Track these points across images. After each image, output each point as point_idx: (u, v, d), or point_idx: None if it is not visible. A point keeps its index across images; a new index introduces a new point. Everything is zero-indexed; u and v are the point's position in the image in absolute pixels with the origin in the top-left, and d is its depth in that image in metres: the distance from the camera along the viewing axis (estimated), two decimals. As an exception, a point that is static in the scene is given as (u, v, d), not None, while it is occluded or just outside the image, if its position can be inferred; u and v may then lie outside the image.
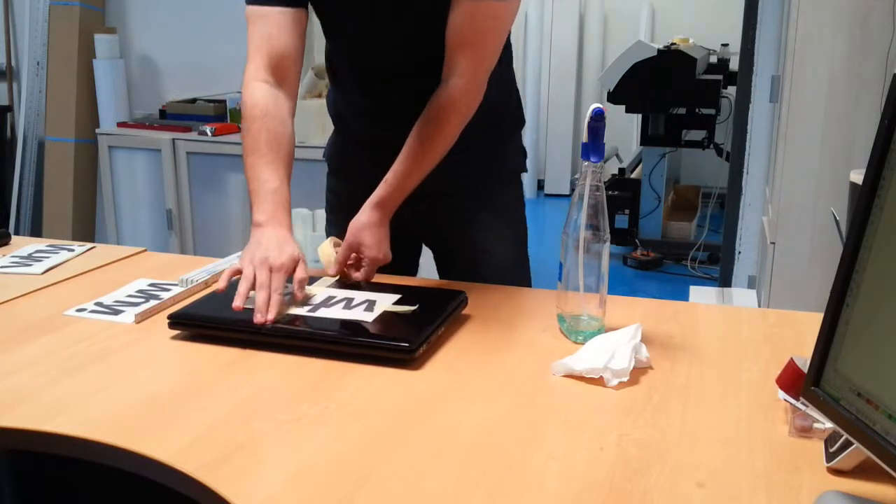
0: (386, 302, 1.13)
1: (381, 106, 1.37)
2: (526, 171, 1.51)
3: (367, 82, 1.36)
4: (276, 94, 1.26)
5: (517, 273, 1.45)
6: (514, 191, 1.48)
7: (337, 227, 1.50)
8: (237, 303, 1.08)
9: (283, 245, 1.16)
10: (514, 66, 1.45)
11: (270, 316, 1.07)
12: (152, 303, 1.19)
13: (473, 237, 1.43)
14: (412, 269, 1.54)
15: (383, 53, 1.30)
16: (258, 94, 1.25)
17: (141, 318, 1.15)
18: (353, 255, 1.27)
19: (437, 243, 1.49)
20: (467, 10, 1.18)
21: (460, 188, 1.39)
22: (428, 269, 1.56)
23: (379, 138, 1.38)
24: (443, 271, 1.50)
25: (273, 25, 1.25)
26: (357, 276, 1.25)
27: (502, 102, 1.39)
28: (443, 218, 1.42)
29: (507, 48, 1.34)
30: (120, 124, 3.60)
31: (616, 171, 4.56)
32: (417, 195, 1.29)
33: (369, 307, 1.11)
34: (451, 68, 1.23)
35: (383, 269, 1.30)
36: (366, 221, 1.25)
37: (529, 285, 1.46)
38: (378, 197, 1.26)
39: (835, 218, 2.15)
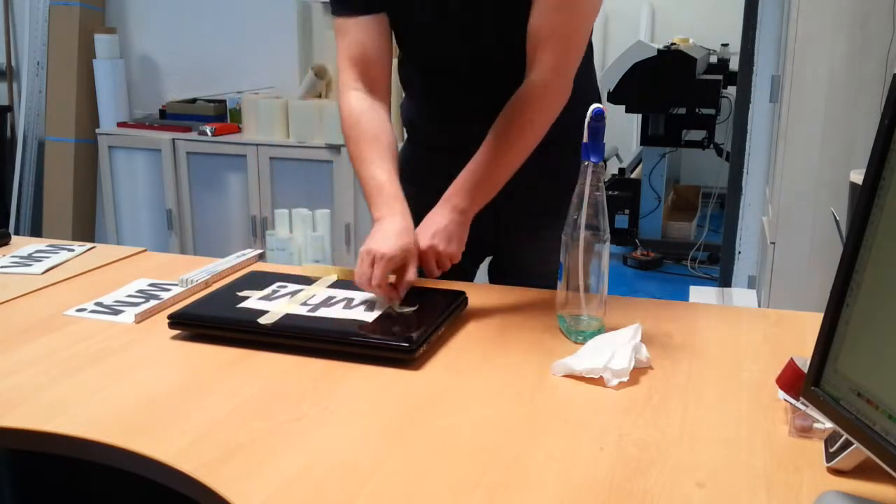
0: (386, 302, 1.13)
1: (449, 108, 1.34)
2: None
3: (435, 82, 1.33)
4: (370, 100, 1.28)
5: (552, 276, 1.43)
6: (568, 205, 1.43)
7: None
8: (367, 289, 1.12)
9: (393, 236, 1.14)
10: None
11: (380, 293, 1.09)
12: (152, 303, 1.19)
13: (535, 245, 1.36)
14: (472, 276, 1.48)
15: (451, 48, 1.27)
16: (353, 103, 1.28)
17: (141, 318, 1.15)
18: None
19: (495, 248, 1.43)
20: (551, 2, 1.16)
21: (533, 192, 1.32)
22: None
23: (449, 144, 1.35)
24: (494, 275, 1.46)
25: (358, 33, 1.27)
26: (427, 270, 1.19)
27: (587, 106, 1.35)
28: (507, 222, 1.36)
29: (590, 47, 1.30)
30: (120, 124, 3.60)
31: (616, 171, 4.56)
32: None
33: (369, 307, 1.11)
34: (534, 64, 1.19)
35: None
36: (437, 215, 1.20)
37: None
38: (457, 187, 1.20)
39: (835, 218, 2.15)
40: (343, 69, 1.30)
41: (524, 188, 1.26)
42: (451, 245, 1.20)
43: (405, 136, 1.49)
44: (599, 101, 1.34)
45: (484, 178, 1.21)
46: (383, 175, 1.22)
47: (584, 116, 1.04)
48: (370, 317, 1.08)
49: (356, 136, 1.26)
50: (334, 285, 1.22)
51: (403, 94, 1.45)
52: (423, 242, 1.19)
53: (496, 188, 1.22)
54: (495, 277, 1.47)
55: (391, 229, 1.15)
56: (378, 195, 1.21)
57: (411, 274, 1.14)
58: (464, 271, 1.39)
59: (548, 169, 1.28)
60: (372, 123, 1.26)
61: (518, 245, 1.41)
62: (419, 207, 1.30)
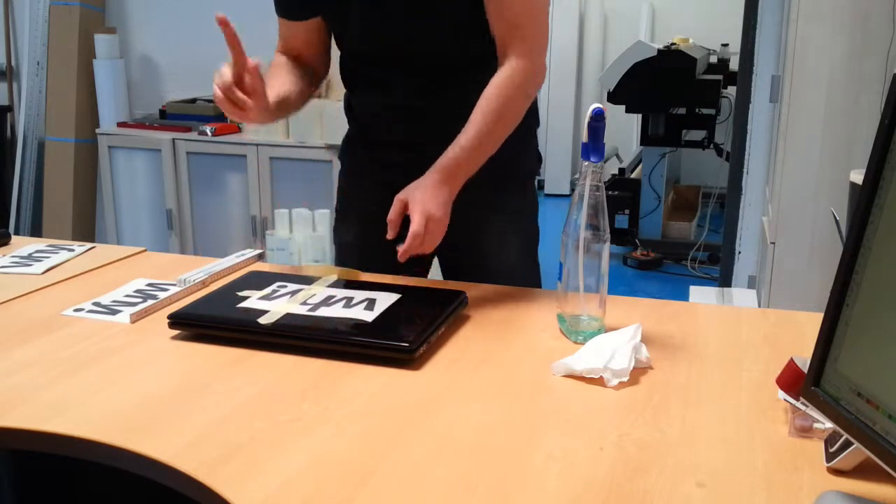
0: (386, 302, 1.13)
1: (390, 102, 1.36)
2: (539, 174, 1.49)
3: (374, 75, 1.35)
4: (292, 61, 1.37)
5: (525, 278, 1.43)
6: (527, 195, 1.46)
7: (345, 225, 1.49)
8: None
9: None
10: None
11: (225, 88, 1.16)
12: (149, 302, 1.19)
13: (482, 240, 1.40)
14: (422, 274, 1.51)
15: (389, 39, 1.30)
16: (278, 59, 1.39)
17: (136, 317, 1.15)
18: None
19: (443, 246, 1.47)
20: None
21: (472, 189, 1.33)
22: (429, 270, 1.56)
23: (391, 139, 1.38)
24: (448, 273, 1.48)
25: (292, 33, 1.39)
26: (406, 243, 1.16)
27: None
28: (452, 219, 1.40)
29: None
30: (120, 124, 3.60)
31: (616, 171, 4.56)
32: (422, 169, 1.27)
33: (369, 306, 1.11)
34: (506, 52, 1.22)
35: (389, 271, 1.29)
36: (423, 180, 1.19)
37: (539, 283, 1.46)
38: (441, 161, 1.21)
39: (835, 218, 2.15)
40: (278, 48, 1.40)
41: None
42: (446, 218, 1.19)
43: (348, 129, 1.52)
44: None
45: (470, 158, 1.22)
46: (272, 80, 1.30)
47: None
48: (370, 317, 1.08)
49: (269, 73, 1.33)
50: (334, 285, 1.22)
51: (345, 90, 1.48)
52: (437, 211, 1.16)
53: (477, 168, 1.23)
54: (449, 276, 1.49)
55: None
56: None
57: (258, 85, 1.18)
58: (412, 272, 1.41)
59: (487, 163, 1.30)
60: (281, 65, 1.36)
61: (462, 240, 1.40)
62: (357, 201, 1.39)
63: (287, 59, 1.38)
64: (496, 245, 1.41)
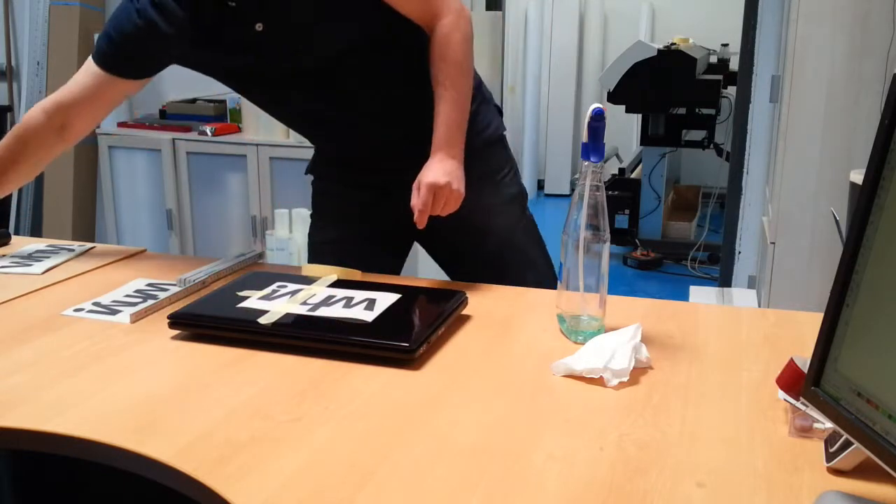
0: (386, 302, 1.13)
1: (343, 149, 1.43)
2: (505, 129, 1.51)
3: (319, 132, 1.44)
4: (40, 120, 1.32)
5: (525, 233, 1.46)
6: (490, 159, 1.47)
7: (322, 231, 1.52)
8: None
9: None
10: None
11: None
12: (149, 302, 1.19)
13: (472, 208, 1.36)
14: (398, 269, 1.54)
15: (321, 104, 1.35)
16: (27, 116, 1.34)
17: (136, 317, 1.15)
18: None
19: (431, 236, 1.46)
20: None
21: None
22: (428, 270, 1.56)
23: (361, 180, 1.46)
24: (448, 262, 1.50)
25: (94, 83, 1.31)
26: (417, 210, 1.23)
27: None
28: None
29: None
30: (120, 124, 3.60)
31: (616, 171, 4.56)
32: (399, 184, 1.31)
33: (369, 306, 1.11)
34: (429, 22, 1.29)
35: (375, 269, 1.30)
36: (428, 162, 1.26)
37: (543, 245, 1.47)
38: (434, 142, 1.27)
39: (835, 218, 2.15)
40: (56, 93, 1.34)
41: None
42: (462, 185, 1.26)
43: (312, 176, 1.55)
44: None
45: (457, 122, 1.28)
46: None
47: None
48: (370, 316, 1.08)
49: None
50: (334, 285, 1.22)
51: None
52: (441, 179, 1.23)
53: (465, 126, 1.30)
54: (451, 262, 1.52)
55: None
56: None
57: None
58: (389, 266, 1.45)
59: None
60: (29, 119, 1.33)
61: (441, 227, 1.40)
62: (334, 203, 1.43)
63: (36, 116, 1.33)
64: (488, 209, 1.42)
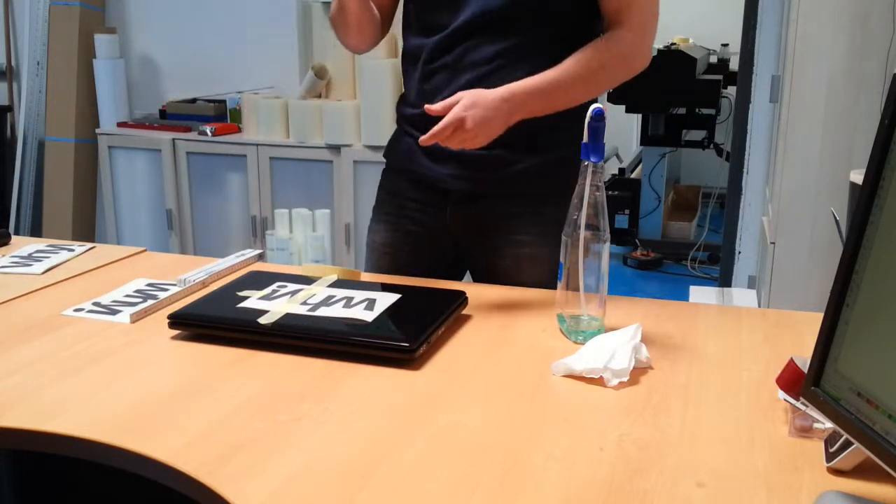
0: (386, 302, 1.13)
1: (442, 72, 1.29)
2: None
3: (433, 45, 1.30)
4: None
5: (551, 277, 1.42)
6: (563, 211, 1.42)
7: (378, 223, 1.44)
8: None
9: None
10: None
11: None
12: (149, 302, 1.19)
13: (518, 252, 1.35)
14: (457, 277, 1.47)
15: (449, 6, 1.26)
16: None
17: (136, 317, 1.15)
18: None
19: (476, 250, 1.40)
20: None
21: (514, 200, 1.31)
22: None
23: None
24: (481, 279, 1.44)
25: None
26: (432, 133, 1.12)
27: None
28: (488, 224, 1.35)
29: None
30: (120, 124, 3.60)
31: (616, 171, 4.56)
32: (478, 194, 1.28)
33: (369, 306, 1.11)
34: (617, 19, 1.20)
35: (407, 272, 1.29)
36: (486, 98, 1.13)
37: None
38: (514, 87, 1.16)
39: (835, 218, 2.15)
40: None
41: (507, 182, 1.27)
42: (480, 129, 1.13)
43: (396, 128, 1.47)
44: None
45: (549, 92, 1.18)
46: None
47: (581, 120, 1.04)
48: (370, 316, 1.08)
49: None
50: (334, 285, 1.22)
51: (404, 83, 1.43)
52: (459, 110, 1.12)
53: (551, 109, 1.19)
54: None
55: None
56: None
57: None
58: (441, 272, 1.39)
59: (536, 178, 1.29)
60: None
61: (494, 256, 1.37)
62: (395, 194, 1.36)
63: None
64: (526, 259, 1.35)
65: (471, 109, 1.12)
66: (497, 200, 1.33)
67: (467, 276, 1.48)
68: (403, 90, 1.40)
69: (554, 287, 1.39)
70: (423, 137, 1.13)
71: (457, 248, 1.40)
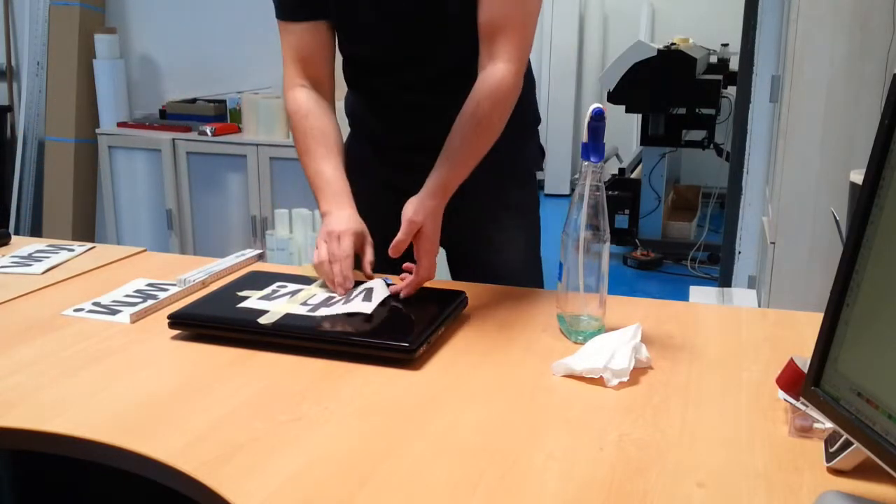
0: (386, 302, 1.13)
1: (394, 107, 1.36)
2: (542, 169, 1.50)
3: (379, 81, 1.36)
4: (316, 96, 1.33)
5: (529, 275, 1.45)
6: (531, 191, 1.47)
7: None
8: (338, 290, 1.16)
9: (347, 220, 1.21)
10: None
11: (348, 285, 1.15)
12: (149, 302, 1.19)
13: (489, 237, 1.41)
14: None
15: (393, 48, 1.30)
16: (299, 98, 1.32)
17: (136, 317, 1.15)
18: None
19: (451, 242, 1.44)
20: None
21: (479, 186, 1.32)
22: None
23: (395, 142, 1.39)
24: (455, 271, 1.49)
25: (302, 37, 1.32)
26: (401, 286, 1.17)
27: (525, 94, 1.31)
28: (459, 217, 1.35)
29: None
30: (120, 124, 3.60)
31: (616, 171, 4.56)
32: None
33: (367, 296, 1.12)
34: (493, 54, 1.21)
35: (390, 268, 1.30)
36: (431, 208, 1.18)
37: (541, 286, 1.46)
38: (438, 182, 1.20)
39: (835, 218, 2.15)
40: (287, 66, 1.34)
41: (469, 179, 1.27)
42: (434, 244, 1.19)
43: (349, 128, 1.50)
44: (533, 85, 1.41)
45: (454, 175, 1.21)
46: (330, 170, 1.27)
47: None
48: (369, 307, 1.08)
49: (304, 130, 1.30)
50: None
51: (347, 88, 1.46)
52: (418, 217, 1.16)
53: (464, 178, 1.23)
54: (456, 274, 1.49)
55: (345, 216, 1.22)
56: (326, 189, 1.26)
57: (370, 254, 1.21)
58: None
59: (491, 161, 1.30)
60: (319, 120, 1.30)
61: (469, 236, 1.42)
62: (359, 200, 1.33)
63: (316, 105, 1.33)
64: (502, 241, 1.42)
65: (413, 215, 1.16)
66: (466, 195, 1.32)
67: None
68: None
69: (529, 273, 1.46)
70: (391, 251, 1.16)
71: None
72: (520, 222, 1.45)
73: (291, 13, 1.31)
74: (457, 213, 1.37)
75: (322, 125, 1.30)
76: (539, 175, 1.54)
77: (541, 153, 1.49)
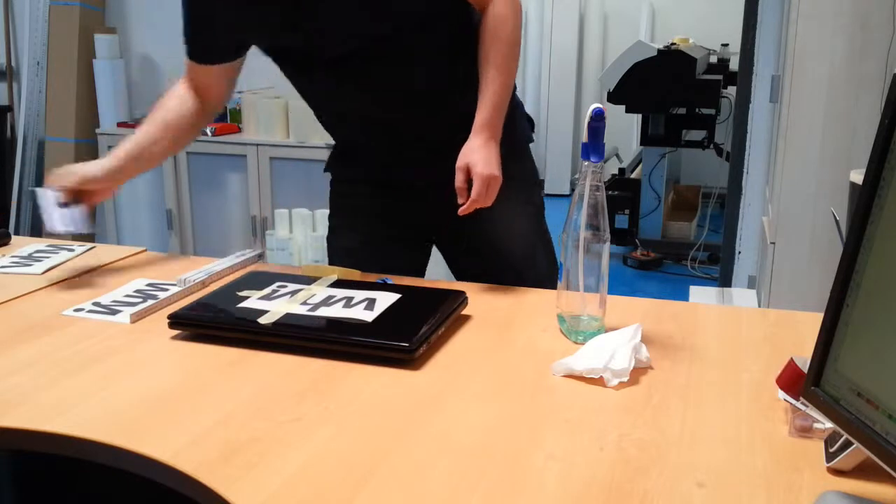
0: (386, 302, 1.13)
1: (371, 149, 1.41)
2: (533, 140, 1.52)
3: (350, 133, 1.42)
4: (187, 95, 1.40)
5: (540, 246, 1.46)
6: (527, 161, 1.49)
7: (343, 236, 1.50)
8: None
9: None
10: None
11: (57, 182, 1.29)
12: (149, 303, 1.19)
13: (494, 212, 1.37)
14: (420, 272, 1.52)
15: (358, 105, 1.35)
16: (168, 94, 1.42)
17: (136, 317, 1.15)
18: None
19: (453, 232, 1.45)
20: None
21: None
22: (430, 270, 1.55)
23: (381, 171, 1.43)
24: (465, 261, 1.49)
25: (201, 73, 1.39)
26: (470, 200, 1.22)
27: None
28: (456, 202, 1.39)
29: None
30: (120, 124, 3.60)
31: (616, 171, 4.56)
32: (429, 183, 1.32)
33: (369, 306, 1.11)
34: (483, 3, 1.28)
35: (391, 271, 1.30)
36: (473, 143, 1.24)
37: (555, 258, 1.46)
38: (479, 121, 1.26)
39: (835, 218, 2.15)
40: (184, 77, 1.41)
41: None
42: (491, 167, 1.23)
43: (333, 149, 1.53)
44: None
45: (502, 105, 1.27)
46: (127, 143, 1.39)
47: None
48: (370, 316, 1.08)
49: (149, 119, 1.41)
50: (334, 285, 1.22)
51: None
52: (496, 171, 1.22)
53: (505, 111, 1.29)
54: (463, 262, 1.50)
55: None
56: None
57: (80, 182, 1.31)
58: (415, 265, 1.47)
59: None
60: (171, 101, 1.40)
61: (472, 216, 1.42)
62: (356, 197, 1.43)
63: (181, 96, 1.40)
64: (508, 215, 1.39)
65: (477, 167, 1.22)
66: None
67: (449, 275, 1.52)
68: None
69: (540, 243, 1.47)
70: (462, 211, 1.23)
71: (427, 245, 1.49)
72: (523, 196, 1.45)
73: (197, 57, 1.36)
74: (454, 198, 1.37)
75: (168, 103, 1.40)
76: (539, 175, 1.54)
77: (529, 121, 1.51)
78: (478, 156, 1.23)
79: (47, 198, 1.29)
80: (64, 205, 1.29)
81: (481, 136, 1.25)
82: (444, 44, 1.32)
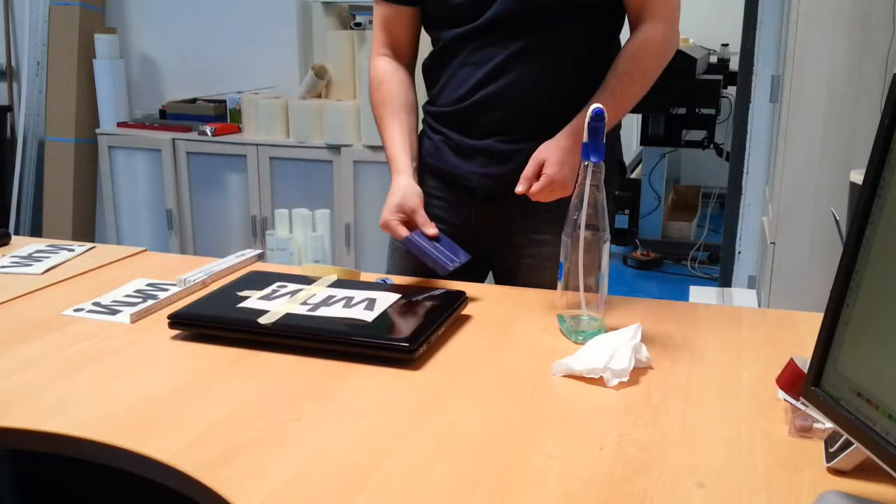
0: (386, 302, 1.13)
1: (481, 67, 1.32)
2: (617, 189, 1.48)
3: (468, 44, 1.33)
4: (394, 64, 1.42)
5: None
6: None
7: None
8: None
9: (395, 190, 1.31)
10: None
11: (401, 231, 1.26)
12: (149, 302, 1.19)
13: (537, 251, 1.36)
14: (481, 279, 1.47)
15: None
16: (378, 66, 1.41)
17: (136, 317, 1.15)
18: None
19: (499, 249, 1.41)
20: None
21: (547, 207, 1.29)
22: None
23: (478, 124, 1.35)
24: (503, 279, 1.45)
25: (389, 13, 1.40)
26: (531, 191, 1.21)
27: None
28: (511, 222, 1.37)
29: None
30: (120, 124, 3.60)
31: (616, 171, 4.55)
32: (503, 193, 1.29)
33: (369, 306, 1.11)
34: (643, 12, 1.25)
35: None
36: (555, 142, 1.23)
37: None
38: (575, 125, 1.23)
39: (835, 218, 2.15)
40: (375, 34, 1.43)
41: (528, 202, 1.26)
42: (567, 178, 1.22)
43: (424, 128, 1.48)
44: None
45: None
46: (391, 138, 1.36)
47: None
48: (370, 316, 1.08)
49: (377, 99, 1.40)
50: (334, 285, 1.22)
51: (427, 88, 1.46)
52: (568, 176, 1.21)
53: (612, 124, 1.26)
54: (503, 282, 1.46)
55: (397, 185, 1.31)
56: (389, 158, 1.36)
57: (420, 218, 1.28)
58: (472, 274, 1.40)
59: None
60: (391, 87, 1.39)
61: (517, 255, 1.39)
62: (443, 204, 1.39)
63: (393, 72, 1.40)
64: (551, 257, 1.30)
65: (551, 168, 1.21)
66: (520, 198, 1.28)
67: (488, 277, 1.49)
68: (428, 91, 1.46)
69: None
70: (520, 189, 1.22)
71: (479, 248, 1.40)
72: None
73: None
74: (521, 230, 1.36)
75: (392, 91, 1.39)
76: (618, 191, 1.52)
77: (620, 170, 1.47)
78: (557, 157, 1.21)
79: (421, 244, 1.26)
80: (432, 240, 1.27)
81: (571, 140, 1.22)
82: (589, 41, 1.28)
